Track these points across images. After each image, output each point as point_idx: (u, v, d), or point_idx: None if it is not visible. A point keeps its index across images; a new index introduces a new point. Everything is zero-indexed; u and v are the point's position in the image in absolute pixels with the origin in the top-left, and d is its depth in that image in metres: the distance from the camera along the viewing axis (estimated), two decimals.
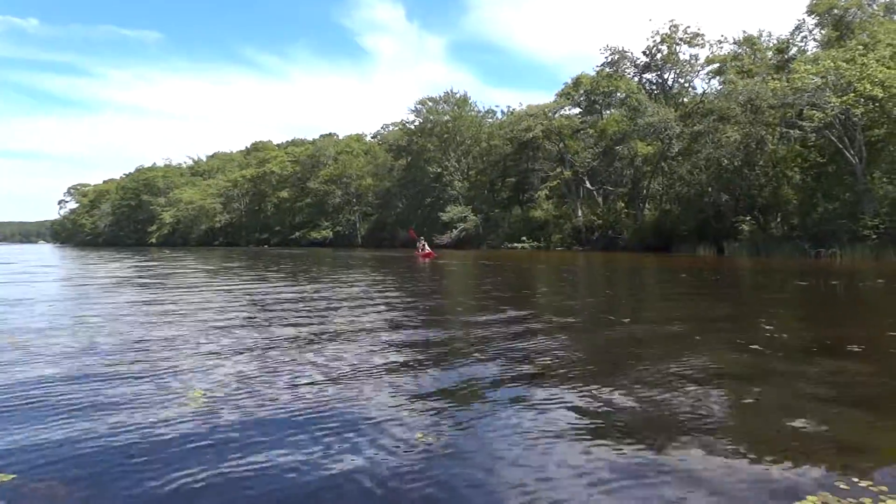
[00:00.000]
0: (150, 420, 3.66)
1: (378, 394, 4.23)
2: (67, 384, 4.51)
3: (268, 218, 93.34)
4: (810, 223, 30.61)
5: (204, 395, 4.23)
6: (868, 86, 27.61)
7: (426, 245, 35.90)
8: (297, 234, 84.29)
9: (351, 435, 3.42)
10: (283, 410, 3.89)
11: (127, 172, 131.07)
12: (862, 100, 28.36)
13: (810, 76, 30.07)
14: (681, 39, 49.84)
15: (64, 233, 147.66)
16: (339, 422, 3.64)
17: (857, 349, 5.93)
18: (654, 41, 51.04)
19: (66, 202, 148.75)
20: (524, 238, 52.53)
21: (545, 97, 56.92)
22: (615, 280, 18.18)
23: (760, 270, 21.27)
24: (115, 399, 4.12)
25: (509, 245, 53.13)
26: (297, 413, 3.83)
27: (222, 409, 3.91)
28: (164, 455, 3.11)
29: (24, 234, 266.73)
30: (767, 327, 7.31)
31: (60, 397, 4.14)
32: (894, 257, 25.08)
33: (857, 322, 8.71)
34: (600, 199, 52.04)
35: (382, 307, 9.60)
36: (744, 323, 8.11)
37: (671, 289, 14.71)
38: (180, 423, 3.62)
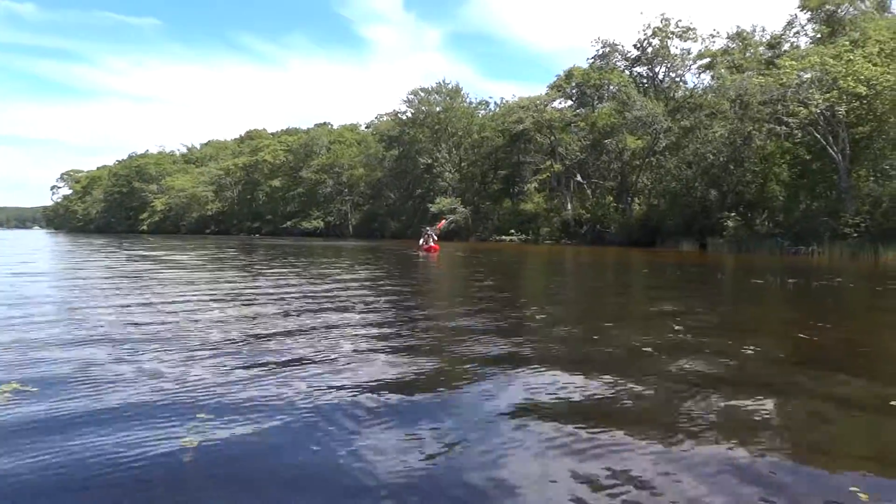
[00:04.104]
0: None
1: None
2: None
3: (259, 207, 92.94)
4: (793, 220, 30.51)
5: (14, 389, 4.02)
6: (852, 83, 27.40)
7: (433, 236, 29.10)
8: (289, 223, 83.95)
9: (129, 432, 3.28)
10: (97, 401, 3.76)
11: (120, 159, 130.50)
12: (846, 97, 28.18)
13: (795, 72, 29.88)
14: (672, 33, 49.50)
15: (57, 219, 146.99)
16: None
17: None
18: (646, 34, 50.72)
19: (59, 188, 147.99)
20: (513, 231, 52.44)
21: (543, 90, 56.50)
22: (572, 274, 18.10)
23: (729, 267, 21.23)
24: None
25: (498, 238, 53.04)
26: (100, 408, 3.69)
27: (20, 405, 3.71)
28: None
29: (19, 219, 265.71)
30: (676, 323, 7.17)
31: None
32: (872, 256, 24.97)
33: (755, 313, 8.58)
34: (590, 193, 51.89)
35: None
36: (658, 312, 8.00)
37: (621, 281, 14.66)
38: None
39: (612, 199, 49.66)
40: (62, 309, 8.01)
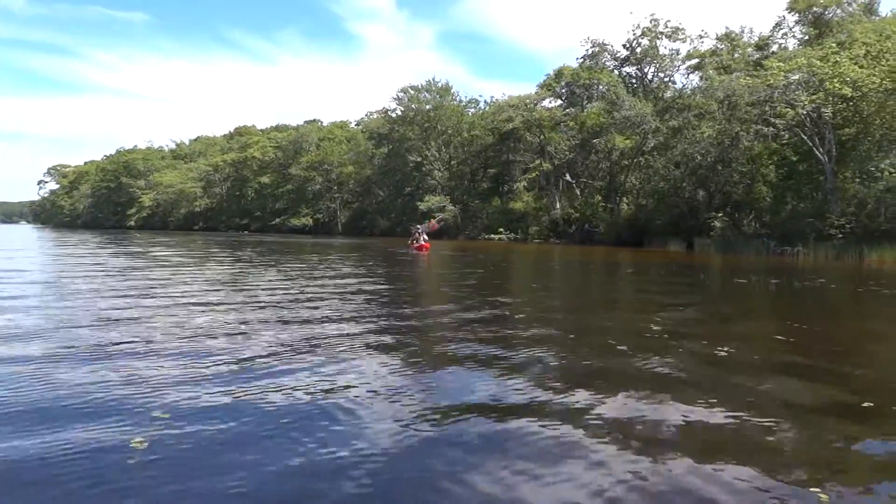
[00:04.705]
0: None
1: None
2: None
3: (248, 203, 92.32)
4: (779, 221, 30.68)
5: None
6: (838, 85, 27.54)
7: (423, 234, 28.32)
8: (277, 220, 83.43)
9: None
10: None
11: (108, 154, 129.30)
12: (832, 98, 28.33)
13: (782, 73, 30.01)
14: (661, 33, 49.62)
15: (43, 214, 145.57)
16: None
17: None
18: (635, 34, 50.83)
19: (46, 183, 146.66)
20: (502, 230, 52.40)
21: (533, 89, 56.53)
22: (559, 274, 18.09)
23: (714, 267, 21.28)
24: None
25: (487, 236, 53.01)
26: None
27: None
28: None
29: (5, 214, 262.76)
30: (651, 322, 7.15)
31: None
32: (856, 257, 25.12)
33: (732, 314, 8.60)
34: (578, 192, 51.95)
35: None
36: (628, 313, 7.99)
37: (604, 281, 14.66)
38: None
39: (600, 198, 49.73)
40: (36, 309, 7.90)
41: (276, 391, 4.08)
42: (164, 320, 6.85)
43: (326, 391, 4.11)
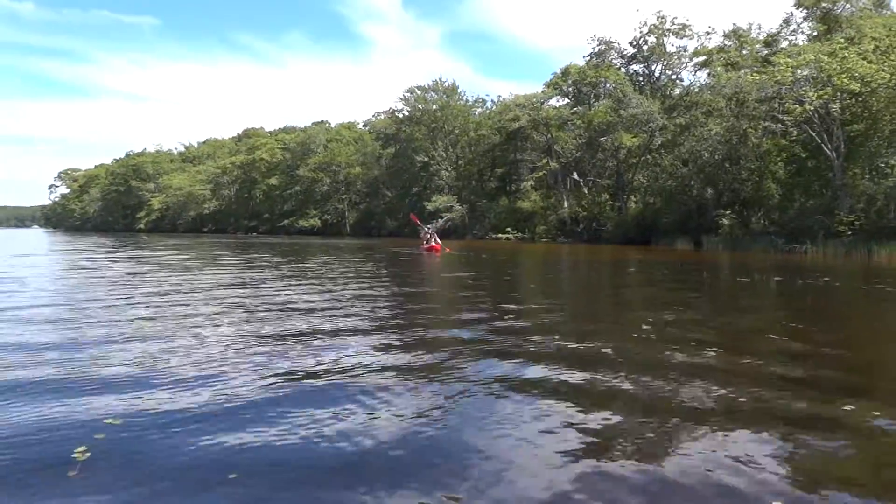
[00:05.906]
0: None
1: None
2: None
3: (257, 205, 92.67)
4: (787, 219, 30.44)
5: None
6: (846, 80, 27.26)
7: (434, 235, 28.32)
8: (286, 222, 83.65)
9: None
10: None
11: (118, 158, 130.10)
12: (840, 94, 28.06)
13: (790, 69, 29.76)
14: (668, 30, 49.34)
15: (55, 217, 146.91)
16: None
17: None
18: (642, 32, 50.60)
19: (57, 187, 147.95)
20: (509, 229, 52.29)
21: (540, 88, 56.38)
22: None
23: (720, 265, 21.15)
24: None
25: (494, 236, 52.91)
26: None
27: None
28: None
29: (19, 218, 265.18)
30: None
31: None
32: (865, 254, 24.84)
33: (725, 314, 8.50)
34: (586, 191, 51.74)
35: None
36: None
37: (603, 280, 14.61)
38: None
39: (608, 197, 49.49)
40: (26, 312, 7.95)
41: (256, 397, 4.07)
42: (156, 326, 6.87)
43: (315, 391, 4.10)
